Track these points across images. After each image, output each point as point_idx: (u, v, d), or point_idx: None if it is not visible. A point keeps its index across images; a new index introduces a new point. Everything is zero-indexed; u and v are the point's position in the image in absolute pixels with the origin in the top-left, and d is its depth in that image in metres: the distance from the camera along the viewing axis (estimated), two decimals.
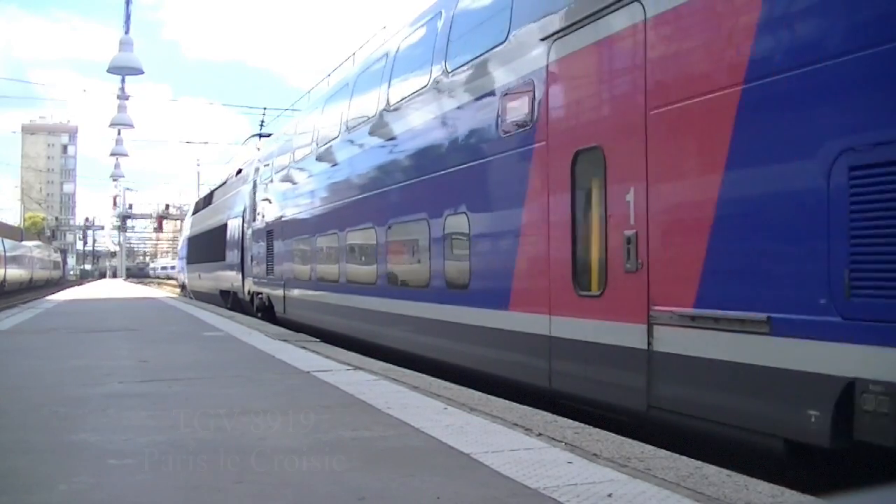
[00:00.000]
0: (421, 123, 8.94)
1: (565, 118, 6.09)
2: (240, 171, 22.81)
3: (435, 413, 4.92)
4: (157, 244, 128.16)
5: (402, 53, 9.84)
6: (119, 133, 36.41)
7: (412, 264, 9.17)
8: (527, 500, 3.08)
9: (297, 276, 14.40)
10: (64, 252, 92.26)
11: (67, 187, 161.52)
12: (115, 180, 63.32)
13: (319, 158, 13.30)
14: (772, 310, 4.09)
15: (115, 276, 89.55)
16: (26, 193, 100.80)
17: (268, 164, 17.67)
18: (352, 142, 11.57)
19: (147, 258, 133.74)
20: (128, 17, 23.87)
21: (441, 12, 8.68)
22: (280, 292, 15.46)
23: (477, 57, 7.55)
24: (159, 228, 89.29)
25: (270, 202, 16.99)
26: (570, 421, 4.75)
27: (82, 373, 7.08)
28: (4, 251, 40.69)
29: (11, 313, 17.52)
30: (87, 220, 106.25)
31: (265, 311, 16.81)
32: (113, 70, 22.57)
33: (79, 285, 57.23)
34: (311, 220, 13.63)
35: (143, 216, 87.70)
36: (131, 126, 32.02)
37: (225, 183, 26.48)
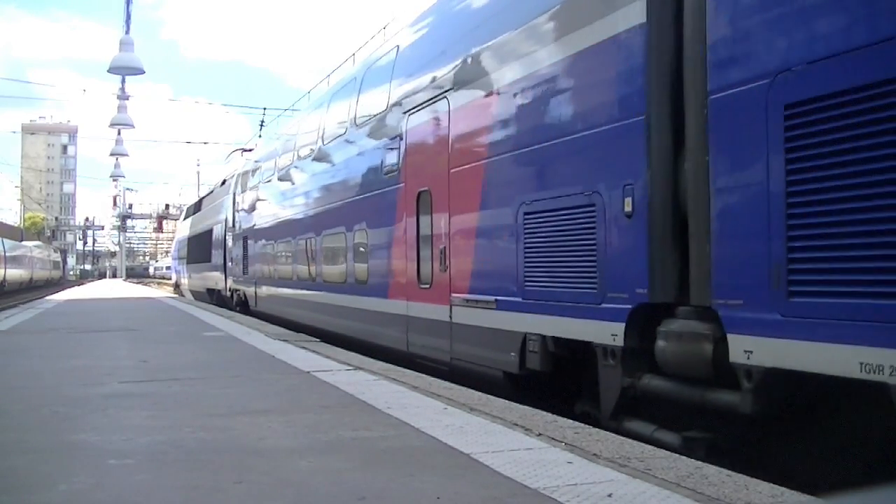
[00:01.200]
0: (342, 159, 11.93)
1: (413, 168, 8.67)
2: (224, 182, 25.74)
3: (435, 413, 4.92)
4: (157, 244, 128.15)
5: (334, 102, 12.83)
6: (119, 133, 36.42)
7: (336, 265, 11.91)
8: (527, 500, 3.08)
9: (264, 276, 17.20)
10: (64, 252, 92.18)
11: (67, 187, 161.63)
12: (115, 180, 63.45)
13: (280, 178, 16.10)
14: (496, 295, 6.66)
15: (114, 276, 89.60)
16: (26, 193, 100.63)
17: (244, 178, 20.35)
18: (301, 168, 14.55)
19: (147, 258, 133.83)
20: (128, 16, 23.87)
21: (356, 77, 11.81)
22: (252, 289, 18.38)
23: (372, 116, 10.33)
24: (159, 228, 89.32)
25: (244, 212, 19.76)
26: (570, 421, 4.76)
27: (82, 373, 7.09)
28: (4, 251, 40.68)
29: (11, 313, 17.53)
30: (87, 220, 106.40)
31: (241, 306, 19.44)
32: (114, 70, 22.58)
33: (79, 285, 57.27)
34: (272, 229, 16.33)
35: (142, 216, 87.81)
36: (131, 126, 32.07)
37: (212, 192, 29.65)
